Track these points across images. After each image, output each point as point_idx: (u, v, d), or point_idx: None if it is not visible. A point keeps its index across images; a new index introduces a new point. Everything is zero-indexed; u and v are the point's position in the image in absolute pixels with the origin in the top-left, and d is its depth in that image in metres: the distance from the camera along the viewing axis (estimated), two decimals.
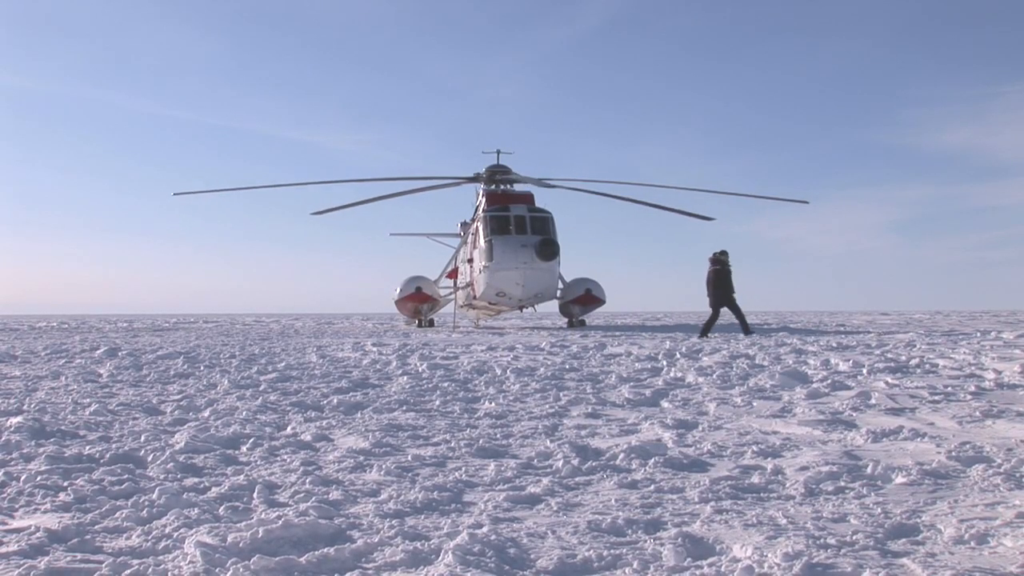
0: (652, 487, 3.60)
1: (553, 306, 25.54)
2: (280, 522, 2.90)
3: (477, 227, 24.34)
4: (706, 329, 16.30)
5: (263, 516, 3.10)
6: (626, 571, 2.52)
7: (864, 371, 8.26)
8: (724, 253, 16.58)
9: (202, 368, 9.54)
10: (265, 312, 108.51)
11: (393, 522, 3.03)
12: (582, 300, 24.53)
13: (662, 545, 2.71)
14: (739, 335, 15.82)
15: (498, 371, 8.84)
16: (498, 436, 4.95)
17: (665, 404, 6.40)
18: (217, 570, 2.49)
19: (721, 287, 16.37)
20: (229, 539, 2.75)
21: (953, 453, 4.12)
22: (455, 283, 25.94)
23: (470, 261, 25.17)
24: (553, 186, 25.73)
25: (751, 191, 32.62)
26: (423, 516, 3.18)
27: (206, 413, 5.87)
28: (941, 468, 3.82)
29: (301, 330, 23.52)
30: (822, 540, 2.73)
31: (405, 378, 8.24)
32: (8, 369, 9.70)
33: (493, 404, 6.37)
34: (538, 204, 24.52)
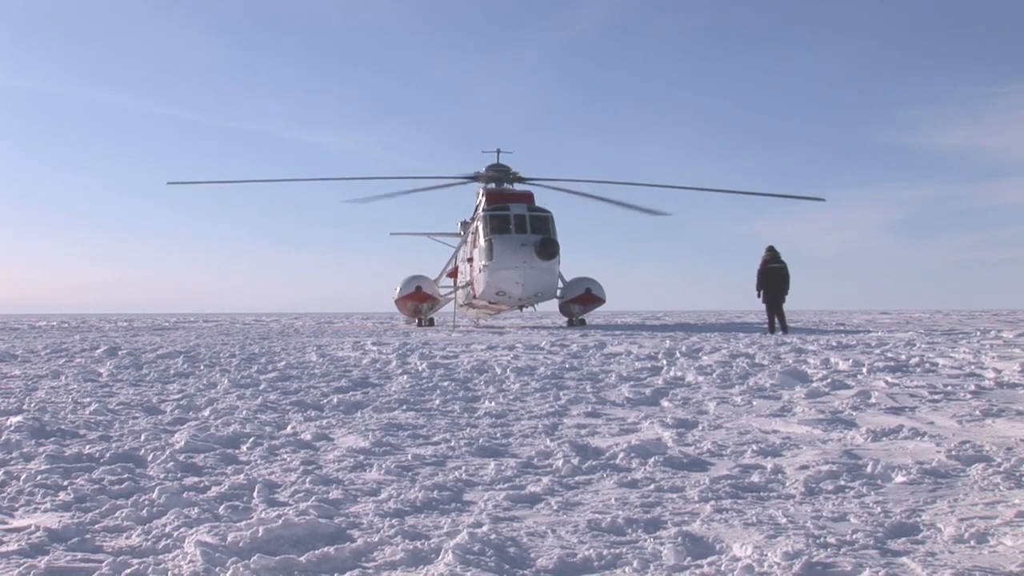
0: (652, 486, 3.60)
1: (553, 305, 25.54)
2: (280, 521, 2.90)
3: (477, 226, 24.33)
4: (773, 325, 16.78)
5: (263, 515, 3.10)
6: (626, 570, 2.52)
7: (864, 370, 8.26)
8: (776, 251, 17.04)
9: (202, 367, 9.54)
10: (265, 311, 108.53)
11: (393, 521, 3.03)
12: (582, 299, 24.52)
13: (662, 544, 2.72)
14: (739, 334, 15.86)
15: (498, 370, 8.84)
16: (498, 435, 4.95)
17: (665, 403, 6.40)
18: (217, 569, 2.49)
19: (786, 285, 16.80)
20: (229, 538, 2.75)
21: (953, 452, 4.12)
22: (455, 282, 25.93)
23: (470, 260, 25.16)
24: (557, 188, 25.74)
25: (750, 191, 32.60)
26: (423, 515, 3.18)
27: (206, 412, 5.87)
28: (941, 467, 3.82)
29: (301, 329, 23.52)
30: (822, 539, 2.73)
31: (405, 377, 8.24)
32: (8, 368, 9.69)
33: (493, 403, 6.37)
34: (539, 203, 24.54)
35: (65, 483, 3.63)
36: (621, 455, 4.21)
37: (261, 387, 7.52)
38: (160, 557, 2.63)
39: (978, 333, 15.71)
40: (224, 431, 4.99)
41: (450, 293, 26.36)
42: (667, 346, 12.08)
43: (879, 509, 3.15)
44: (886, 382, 7.24)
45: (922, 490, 3.46)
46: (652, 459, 4.11)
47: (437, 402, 6.45)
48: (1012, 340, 12.95)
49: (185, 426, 5.24)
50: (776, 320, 17.28)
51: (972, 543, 2.70)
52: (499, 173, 25.78)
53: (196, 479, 3.78)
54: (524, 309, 25.78)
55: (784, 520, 3.00)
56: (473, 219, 25.83)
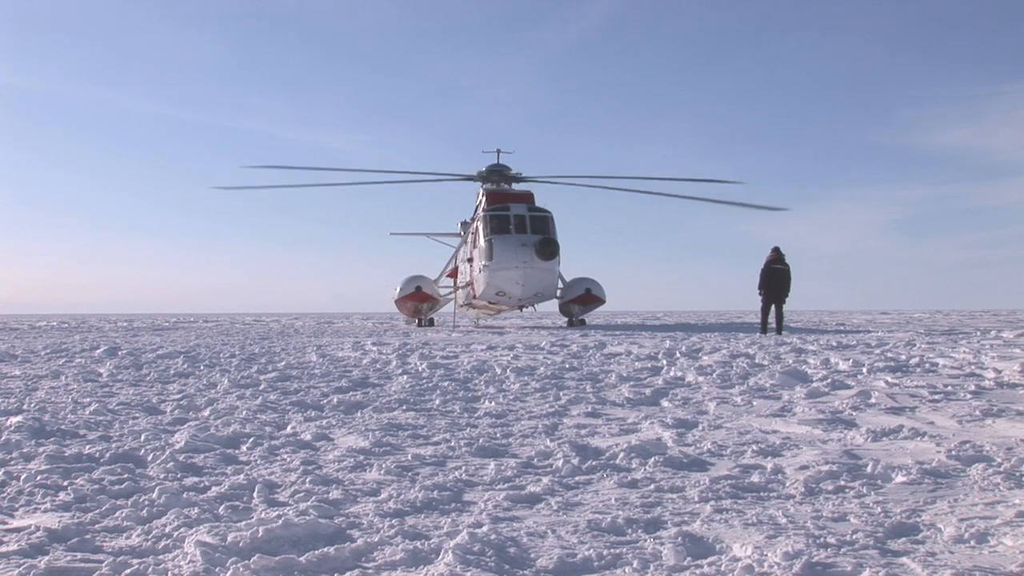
0: (652, 486, 3.60)
1: (553, 305, 25.55)
2: (280, 521, 2.90)
3: (477, 226, 24.34)
4: (766, 326, 16.89)
5: (263, 515, 3.10)
6: (626, 570, 2.52)
7: (864, 370, 8.26)
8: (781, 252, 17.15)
9: (202, 367, 9.54)
10: (265, 312, 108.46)
11: (393, 521, 3.03)
12: (582, 299, 24.53)
13: (662, 544, 2.72)
14: (739, 334, 15.87)
15: (498, 370, 8.84)
16: (498, 435, 4.95)
17: (665, 403, 6.40)
18: (217, 569, 2.49)
19: (786, 287, 16.94)
20: (229, 538, 2.75)
21: (953, 452, 4.12)
22: (455, 282, 25.94)
23: (470, 260, 25.17)
24: (556, 182, 25.79)
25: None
26: (423, 515, 3.18)
27: (206, 412, 5.87)
28: (941, 467, 3.82)
29: (301, 329, 23.51)
30: (822, 539, 2.73)
31: (405, 377, 8.24)
32: (8, 368, 9.69)
33: (493, 403, 6.37)
34: (541, 203, 24.56)
35: (65, 483, 3.63)
36: (621, 455, 4.21)
37: (261, 387, 7.52)
38: (160, 557, 2.63)
39: (978, 333, 15.72)
40: (224, 431, 4.99)
41: (450, 293, 26.37)
42: (667, 346, 12.08)
43: (879, 509, 3.15)
44: (886, 382, 7.24)
45: (922, 490, 3.46)
46: (652, 459, 4.11)
47: (437, 402, 6.45)
48: (1012, 340, 12.95)
49: (185, 426, 5.24)
50: (772, 320, 17.34)
51: (972, 543, 2.70)
52: (499, 173, 25.79)
53: (196, 479, 3.78)
54: (524, 309, 25.79)
55: (784, 520, 3.00)
56: (473, 219, 25.84)
